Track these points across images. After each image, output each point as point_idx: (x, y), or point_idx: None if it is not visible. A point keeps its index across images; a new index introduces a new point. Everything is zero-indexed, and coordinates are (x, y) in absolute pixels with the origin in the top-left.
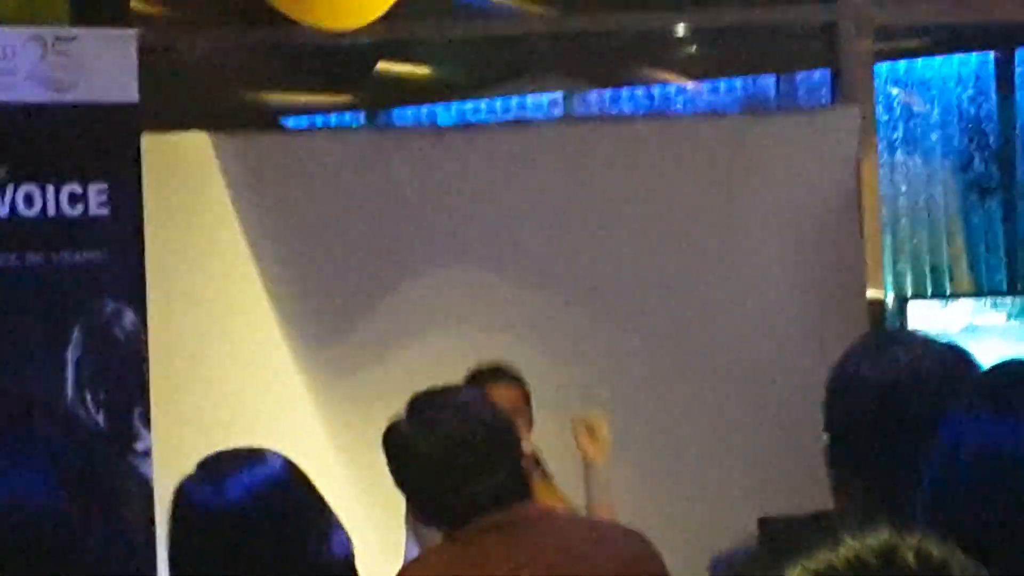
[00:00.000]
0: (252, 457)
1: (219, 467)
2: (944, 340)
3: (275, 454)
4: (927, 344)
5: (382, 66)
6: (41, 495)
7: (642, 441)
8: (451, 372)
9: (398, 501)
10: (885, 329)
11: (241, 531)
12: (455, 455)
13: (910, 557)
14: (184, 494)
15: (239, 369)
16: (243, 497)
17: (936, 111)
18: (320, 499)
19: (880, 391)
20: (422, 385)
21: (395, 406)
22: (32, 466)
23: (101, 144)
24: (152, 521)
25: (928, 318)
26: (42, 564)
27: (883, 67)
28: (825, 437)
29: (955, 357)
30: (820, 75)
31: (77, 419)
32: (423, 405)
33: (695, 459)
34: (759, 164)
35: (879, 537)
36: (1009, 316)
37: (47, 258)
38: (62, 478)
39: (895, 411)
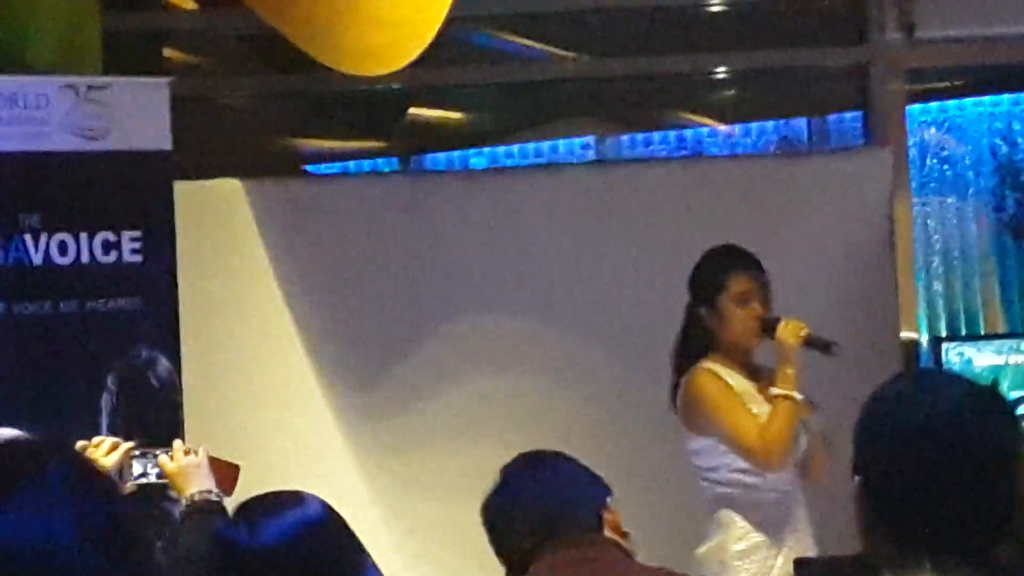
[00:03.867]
0: (289, 499)
1: (256, 509)
2: (978, 382)
3: (313, 497)
4: (960, 386)
5: (414, 111)
6: (63, 544)
7: (676, 477)
8: (484, 417)
9: (432, 544)
10: (916, 370)
11: (275, 572)
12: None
13: None
14: (219, 535)
15: (273, 414)
16: (278, 538)
17: (968, 152)
18: (356, 542)
19: (912, 435)
20: (456, 429)
21: (430, 451)
22: (55, 515)
23: (134, 192)
24: None
25: (962, 358)
26: None
27: (915, 109)
28: (856, 479)
29: (989, 399)
30: (852, 117)
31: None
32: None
33: None
34: (792, 206)
35: None
36: None
37: (81, 306)
38: (84, 527)
39: (927, 455)
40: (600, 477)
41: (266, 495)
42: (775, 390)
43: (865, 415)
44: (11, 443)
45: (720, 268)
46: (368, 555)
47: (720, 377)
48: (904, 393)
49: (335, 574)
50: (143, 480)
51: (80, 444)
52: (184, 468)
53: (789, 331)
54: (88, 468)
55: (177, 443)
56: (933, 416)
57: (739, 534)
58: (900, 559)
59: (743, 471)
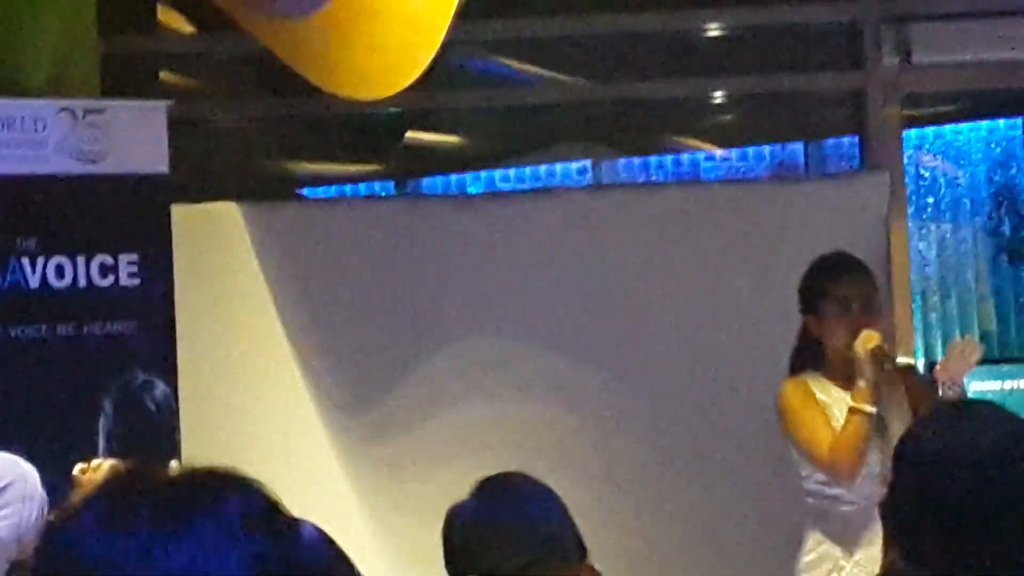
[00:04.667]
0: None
1: None
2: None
3: (305, 522)
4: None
5: (411, 135)
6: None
7: (675, 502)
8: (479, 439)
9: (425, 565)
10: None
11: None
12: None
13: None
14: None
15: (270, 437)
16: None
17: (965, 176)
18: (350, 566)
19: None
20: (450, 452)
21: (425, 473)
22: (228, 552)
23: (131, 215)
24: None
25: None
26: None
27: (911, 133)
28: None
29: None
30: (849, 142)
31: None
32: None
33: (729, 519)
34: (789, 230)
35: None
36: None
37: (78, 329)
38: (257, 567)
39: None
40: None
41: None
42: (849, 402)
43: (906, 439)
44: (193, 473)
45: (823, 275)
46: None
47: (806, 388)
48: (947, 422)
49: None
50: None
51: (79, 466)
52: None
53: (861, 342)
54: (269, 506)
55: (173, 464)
56: (972, 447)
57: (811, 545)
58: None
59: (825, 483)
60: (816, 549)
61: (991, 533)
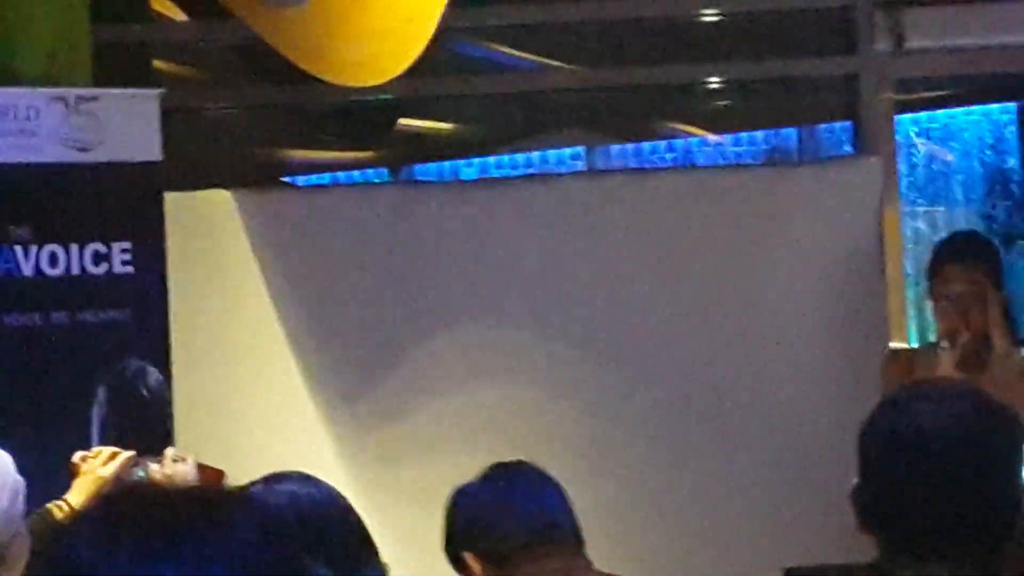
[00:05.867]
0: (309, 479)
1: (279, 477)
2: (976, 391)
3: (326, 484)
4: (957, 395)
5: (404, 122)
6: None
7: (667, 489)
8: (475, 427)
9: (422, 554)
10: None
11: (282, 531)
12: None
13: None
14: (238, 488)
15: (264, 425)
16: (291, 502)
17: (958, 162)
18: (368, 536)
19: (904, 441)
20: (445, 440)
21: (420, 461)
22: (241, 563)
23: (124, 203)
24: None
25: None
26: None
27: (905, 118)
28: (854, 480)
29: (985, 408)
30: (842, 127)
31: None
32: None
33: (718, 507)
34: (782, 216)
35: None
36: None
37: (71, 317)
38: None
39: (916, 464)
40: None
41: (288, 472)
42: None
43: (868, 422)
44: (194, 489)
45: (937, 258)
46: (377, 553)
47: (904, 360)
48: (906, 402)
49: (340, 552)
50: None
51: (79, 454)
52: (172, 476)
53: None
54: (270, 513)
55: (168, 451)
56: (924, 427)
57: None
58: (890, 567)
59: None
60: None
61: (932, 517)
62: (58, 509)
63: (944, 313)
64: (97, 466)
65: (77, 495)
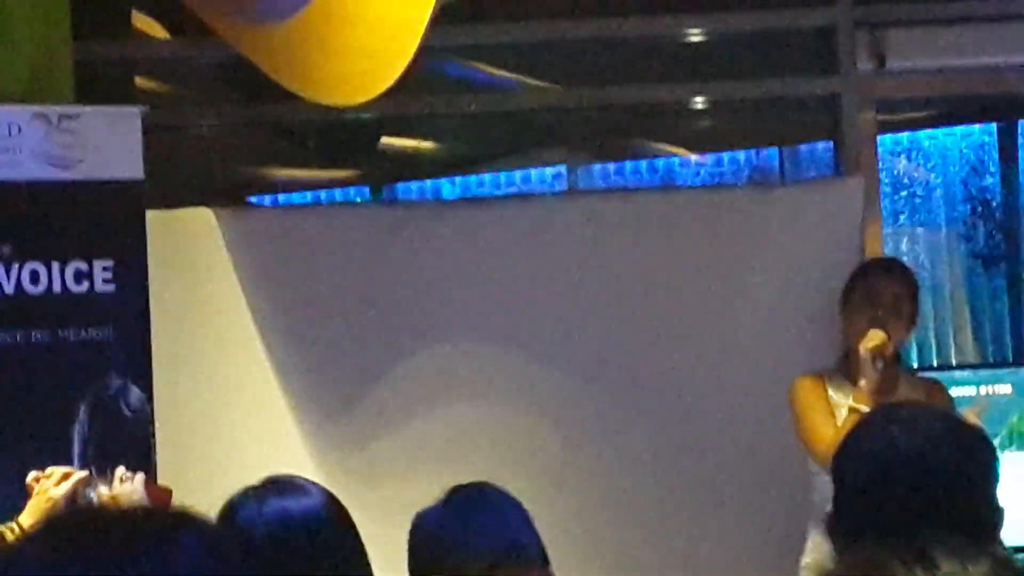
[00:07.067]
0: (300, 487)
1: (268, 488)
2: (946, 413)
3: (323, 491)
4: (930, 418)
5: (386, 141)
6: None
7: (647, 508)
8: (457, 445)
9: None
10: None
11: (273, 548)
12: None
13: None
14: (229, 504)
15: (245, 443)
16: (282, 517)
17: (939, 182)
18: (359, 545)
19: (881, 466)
20: (427, 458)
21: (402, 479)
22: None
23: (106, 221)
24: None
25: None
26: None
27: (886, 139)
28: (829, 507)
29: (958, 430)
30: (824, 147)
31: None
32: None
33: (697, 526)
34: (764, 236)
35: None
36: (1015, 387)
37: (53, 335)
38: None
39: (896, 487)
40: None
41: (281, 480)
42: (850, 402)
43: (842, 447)
44: (144, 509)
45: (855, 274)
46: (367, 562)
47: (819, 384)
48: (874, 427)
49: (330, 564)
50: None
51: (32, 475)
52: (119, 496)
53: (865, 340)
54: (218, 534)
55: (119, 470)
56: (899, 449)
57: (809, 547)
58: None
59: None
60: (810, 553)
61: (906, 534)
62: (9, 531)
63: (868, 327)
64: (49, 487)
65: (28, 516)
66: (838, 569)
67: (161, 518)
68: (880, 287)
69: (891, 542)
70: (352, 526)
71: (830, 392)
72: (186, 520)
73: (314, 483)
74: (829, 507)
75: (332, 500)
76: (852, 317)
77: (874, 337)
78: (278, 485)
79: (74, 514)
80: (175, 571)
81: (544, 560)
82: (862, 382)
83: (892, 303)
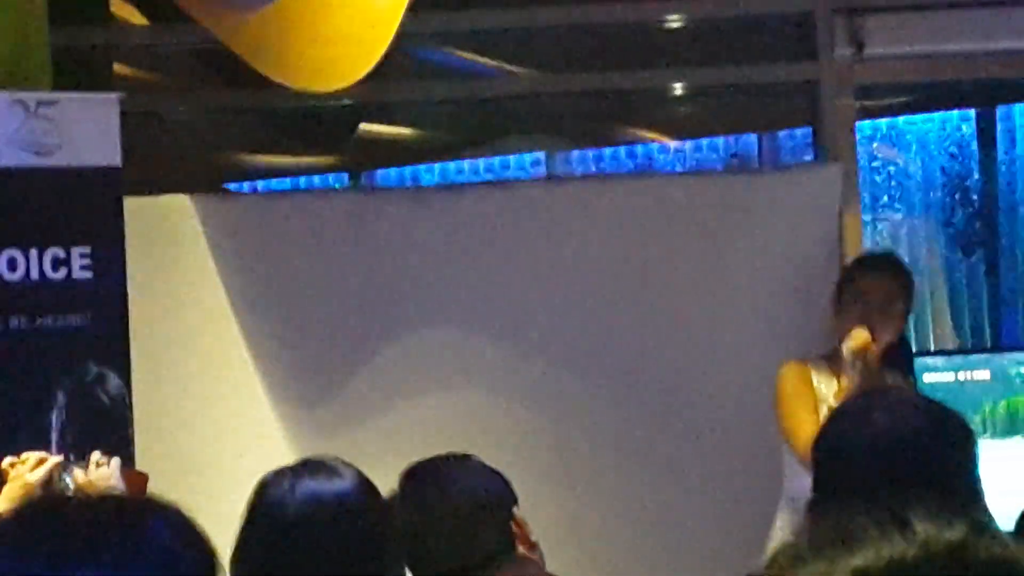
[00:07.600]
0: (335, 469)
1: (305, 469)
2: (927, 399)
3: (355, 473)
4: (910, 404)
5: (364, 127)
6: None
7: (631, 495)
8: (434, 432)
9: None
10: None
11: (302, 533)
12: (451, 526)
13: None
14: (263, 482)
15: (225, 431)
16: (311, 500)
17: (918, 168)
18: (390, 530)
19: (862, 453)
20: (406, 446)
21: (380, 466)
22: (163, 568)
23: (84, 208)
24: None
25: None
26: None
27: (865, 125)
28: (809, 495)
29: (938, 416)
30: (802, 133)
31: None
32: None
33: (682, 512)
34: (743, 222)
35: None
36: (993, 373)
37: (31, 322)
38: None
39: (877, 473)
40: (503, 480)
41: (315, 462)
42: (831, 400)
43: (823, 432)
44: (111, 497)
45: (848, 268)
46: (399, 545)
47: (804, 374)
48: (860, 411)
49: (359, 547)
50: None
51: (7, 460)
52: (95, 480)
53: (848, 340)
54: (186, 521)
55: (94, 455)
56: (881, 435)
57: (776, 536)
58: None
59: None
60: (775, 543)
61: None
62: None
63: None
64: (25, 472)
65: (4, 502)
66: (812, 532)
67: (130, 505)
68: (870, 285)
69: (866, 506)
70: (384, 509)
71: (815, 381)
72: (155, 507)
73: (349, 465)
74: (794, 482)
75: (365, 483)
76: (841, 314)
77: (857, 337)
78: (312, 466)
79: (43, 501)
80: (143, 558)
81: (507, 533)
82: (844, 381)
83: (882, 301)
